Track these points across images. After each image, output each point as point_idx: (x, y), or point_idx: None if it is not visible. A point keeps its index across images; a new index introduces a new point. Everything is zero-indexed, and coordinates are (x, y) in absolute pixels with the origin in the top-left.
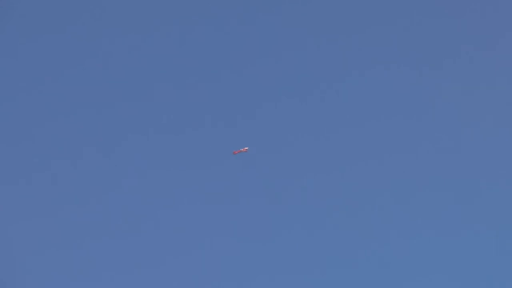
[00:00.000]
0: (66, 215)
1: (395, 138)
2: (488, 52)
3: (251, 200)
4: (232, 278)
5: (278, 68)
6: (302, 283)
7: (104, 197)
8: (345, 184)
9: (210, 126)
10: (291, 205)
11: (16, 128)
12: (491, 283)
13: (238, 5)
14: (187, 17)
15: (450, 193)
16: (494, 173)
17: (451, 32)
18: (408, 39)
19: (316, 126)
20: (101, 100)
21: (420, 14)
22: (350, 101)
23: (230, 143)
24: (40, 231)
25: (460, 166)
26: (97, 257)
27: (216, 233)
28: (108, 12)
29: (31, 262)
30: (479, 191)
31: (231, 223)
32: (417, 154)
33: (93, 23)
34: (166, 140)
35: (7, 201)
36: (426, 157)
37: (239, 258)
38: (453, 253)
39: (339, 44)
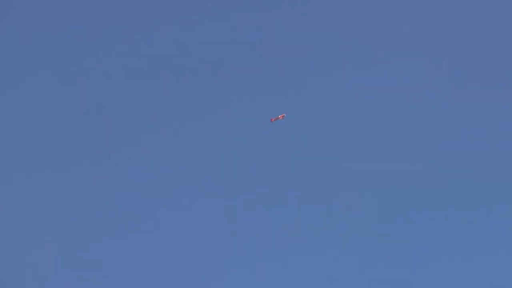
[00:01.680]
0: (66, 215)
1: (394, 138)
2: (488, 53)
3: (250, 200)
4: (231, 277)
5: (278, 70)
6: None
7: (103, 197)
8: (344, 183)
9: (209, 127)
10: (290, 204)
11: (18, 128)
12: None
13: (238, 5)
14: (186, 17)
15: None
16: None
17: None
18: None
19: (315, 126)
20: (100, 100)
21: (421, 15)
22: (351, 101)
23: (229, 143)
24: (40, 231)
25: (458, 166)
26: (97, 257)
27: (215, 232)
28: (108, 12)
29: (31, 262)
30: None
31: (229, 223)
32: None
33: (93, 23)
34: (164, 139)
35: (7, 200)
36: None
37: (238, 258)
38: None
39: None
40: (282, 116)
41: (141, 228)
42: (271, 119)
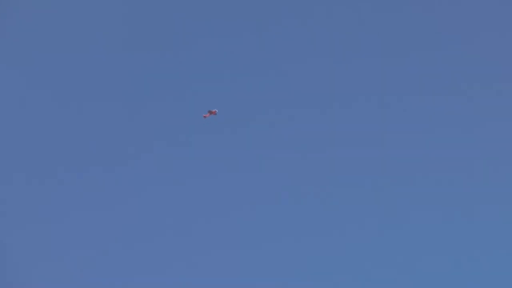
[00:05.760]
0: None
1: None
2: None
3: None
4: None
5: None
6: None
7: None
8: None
9: (211, 133)
10: (289, 206)
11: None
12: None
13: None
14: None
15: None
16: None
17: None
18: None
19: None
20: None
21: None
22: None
23: (231, 146)
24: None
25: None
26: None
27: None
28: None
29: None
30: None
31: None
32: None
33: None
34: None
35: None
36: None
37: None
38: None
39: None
40: (215, 112)
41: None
42: (203, 116)
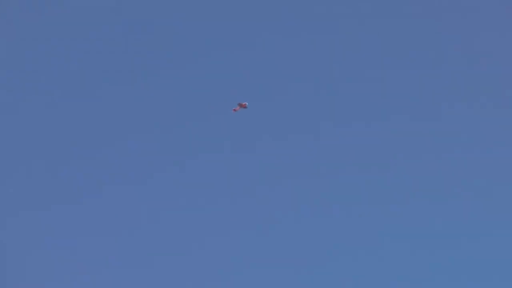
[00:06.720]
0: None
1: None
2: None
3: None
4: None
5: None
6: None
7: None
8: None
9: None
10: (289, 206)
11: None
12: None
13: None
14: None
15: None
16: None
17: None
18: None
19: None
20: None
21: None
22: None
23: (231, 148)
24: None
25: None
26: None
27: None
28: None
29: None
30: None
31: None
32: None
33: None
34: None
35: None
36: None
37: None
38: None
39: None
40: (245, 105)
41: (140, 228)
42: (233, 110)
